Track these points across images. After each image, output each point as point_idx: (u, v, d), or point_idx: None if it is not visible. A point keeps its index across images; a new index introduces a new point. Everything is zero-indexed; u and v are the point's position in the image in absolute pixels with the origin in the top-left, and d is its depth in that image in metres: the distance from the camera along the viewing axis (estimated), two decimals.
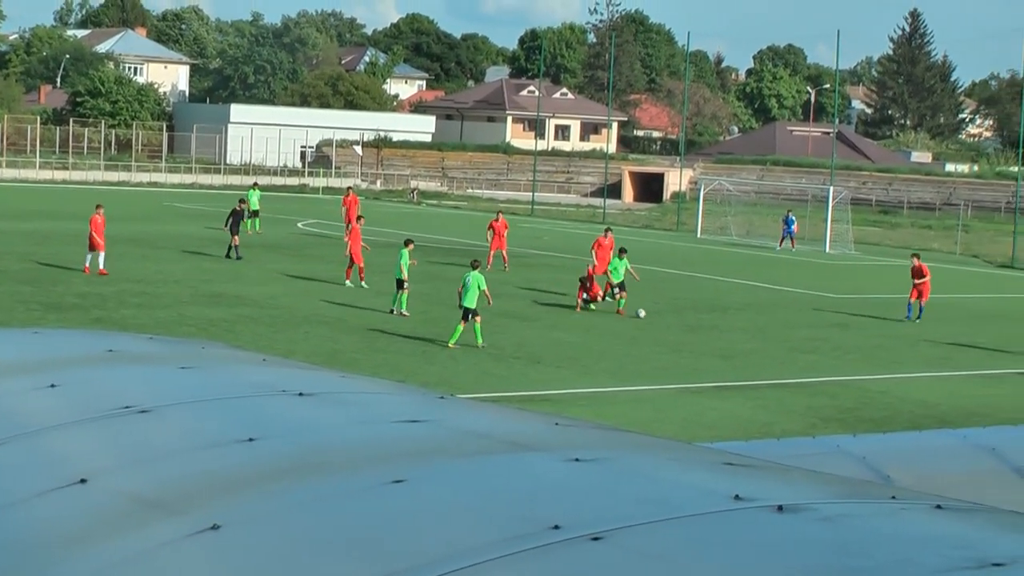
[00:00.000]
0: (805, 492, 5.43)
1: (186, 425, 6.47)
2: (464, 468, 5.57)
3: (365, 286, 43.40)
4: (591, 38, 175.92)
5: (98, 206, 46.06)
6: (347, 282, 44.21)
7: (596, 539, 4.62)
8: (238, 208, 53.81)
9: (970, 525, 5.03)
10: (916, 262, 44.51)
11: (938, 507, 5.12)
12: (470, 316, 33.96)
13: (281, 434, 6.16)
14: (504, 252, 52.50)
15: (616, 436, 6.67)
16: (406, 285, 38.50)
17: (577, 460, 5.58)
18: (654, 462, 5.90)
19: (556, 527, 4.73)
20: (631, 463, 5.78)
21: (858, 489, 5.75)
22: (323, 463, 5.61)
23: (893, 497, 5.31)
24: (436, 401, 7.31)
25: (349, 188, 75.18)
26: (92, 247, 44.61)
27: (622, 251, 43.70)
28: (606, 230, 50.38)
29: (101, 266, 44.10)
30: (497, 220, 53.85)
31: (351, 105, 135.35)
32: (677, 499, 5.13)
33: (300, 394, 6.76)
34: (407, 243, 39.85)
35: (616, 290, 41.94)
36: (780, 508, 4.91)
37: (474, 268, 35.23)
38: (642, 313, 40.14)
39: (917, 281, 43.72)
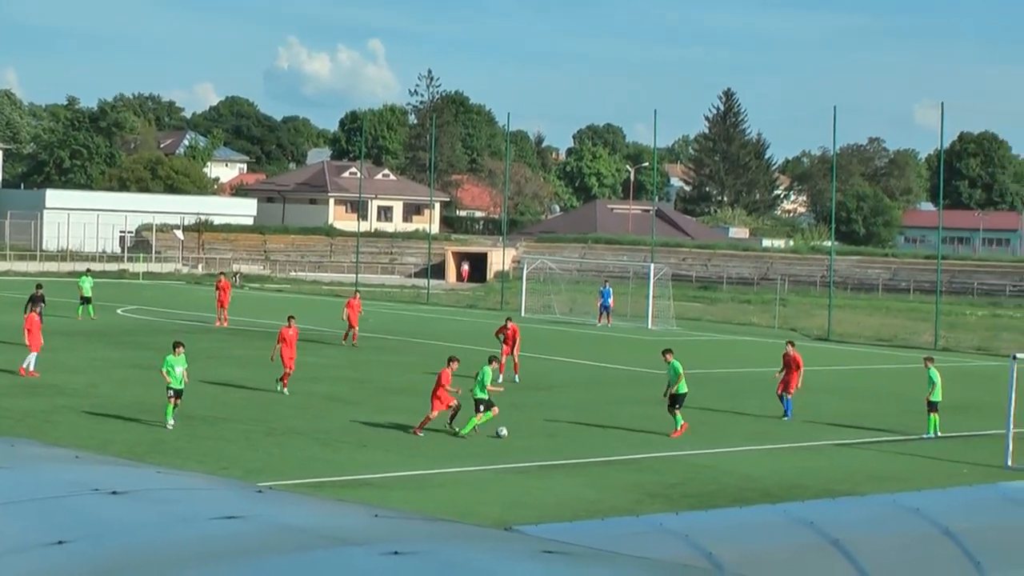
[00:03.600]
0: None
1: None
2: (282, 565, 5.49)
3: (286, 392, 40.11)
4: (412, 119, 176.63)
5: None
6: (284, 390, 40.21)
7: None
8: (36, 293, 52.69)
9: None
10: (791, 351, 40.35)
11: None
12: (482, 407, 34.11)
13: (92, 536, 6.01)
14: (355, 330, 54.97)
15: (435, 527, 6.64)
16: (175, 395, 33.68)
17: (396, 553, 5.54)
18: (473, 553, 5.88)
19: None
20: (450, 555, 5.75)
21: (673, 573, 5.79)
22: (136, 565, 5.49)
23: None
24: (254, 495, 7.22)
25: (222, 273, 74.18)
26: None
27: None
28: (507, 319, 50.03)
29: None
30: (355, 298, 56.88)
31: (171, 189, 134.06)
32: None
33: (114, 492, 6.62)
34: (176, 347, 34.51)
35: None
36: None
37: (489, 363, 35.42)
38: (503, 432, 34.08)
39: (785, 373, 39.93)
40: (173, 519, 6.47)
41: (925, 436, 37.27)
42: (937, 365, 39.28)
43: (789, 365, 40.12)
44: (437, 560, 5.60)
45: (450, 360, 35.40)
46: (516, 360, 45.93)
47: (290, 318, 42.77)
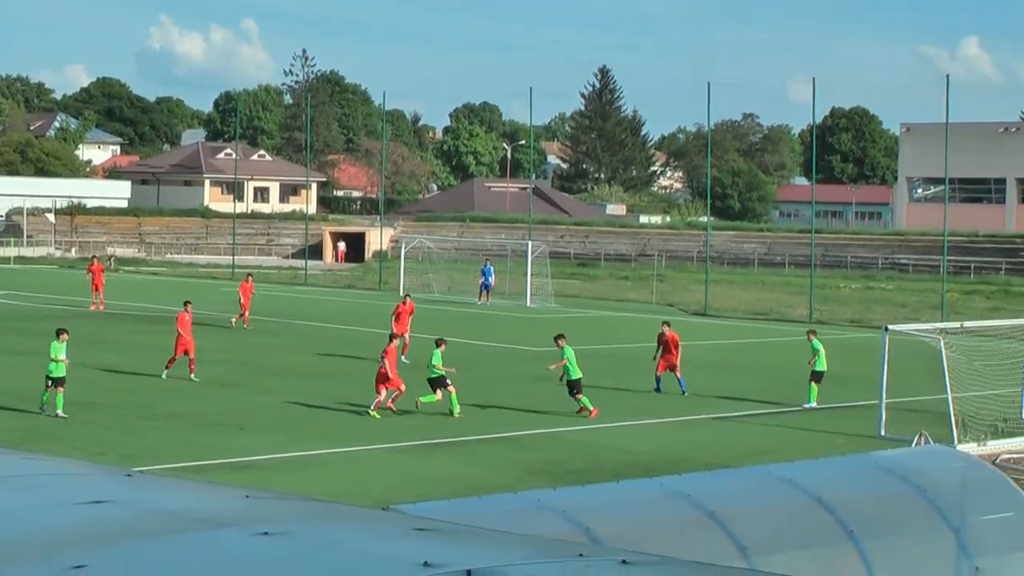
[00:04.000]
0: (495, 555, 5.44)
1: None
2: (149, 549, 5.43)
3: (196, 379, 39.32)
4: (287, 99, 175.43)
5: None
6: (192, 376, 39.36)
7: None
8: None
9: None
10: (667, 331, 40.37)
11: (624, 562, 5.19)
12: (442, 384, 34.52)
13: None
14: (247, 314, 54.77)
15: (308, 507, 6.59)
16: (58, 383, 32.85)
17: (266, 534, 5.50)
18: (344, 532, 5.85)
19: None
20: (321, 534, 5.72)
21: (547, 549, 5.80)
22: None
23: (580, 555, 5.37)
24: (123, 479, 7.13)
25: (94, 257, 73.09)
26: None
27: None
28: (405, 296, 50.03)
29: None
30: (247, 281, 56.23)
31: (42, 172, 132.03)
32: (365, 569, 5.09)
33: None
34: (60, 333, 33.69)
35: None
36: (468, 573, 4.91)
37: (438, 346, 35.44)
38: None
39: (662, 352, 39.90)
40: (39, 505, 6.38)
41: (806, 406, 37.87)
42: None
43: (666, 344, 40.33)
44: (307, 540, 5.57)
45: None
46: (406, 340, 45.50)
47: (186, 303, 42.25)
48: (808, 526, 14.23)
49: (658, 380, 40.05)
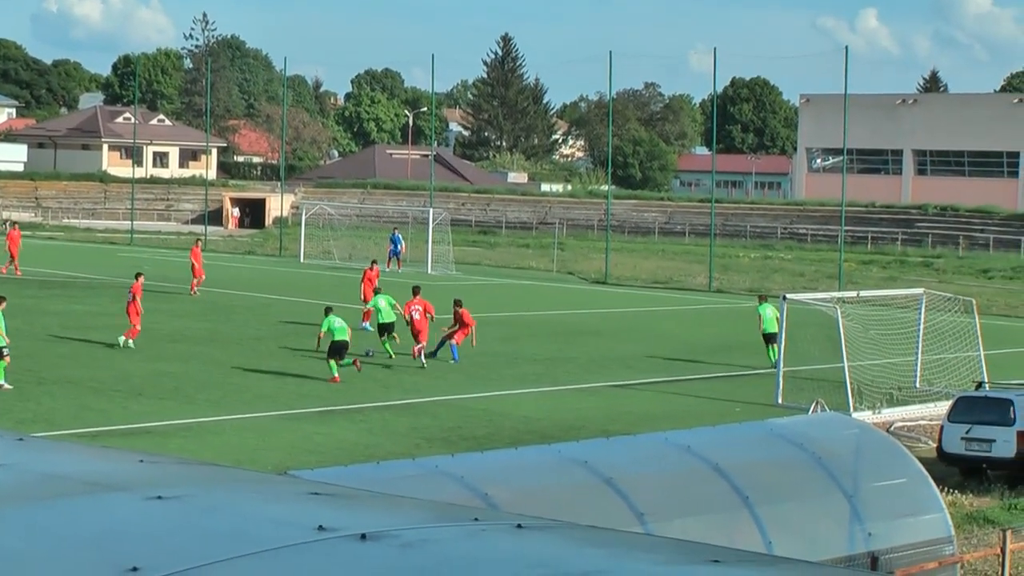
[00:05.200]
0: (390, 519, 5.43)
1: None
2: (40, 513, 5.37)
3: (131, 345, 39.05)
4: (187, 63, 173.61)
5: None
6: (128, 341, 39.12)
7: None
8: None
9: (549, 542, 5.12)
10: (459, 310, 39.76)
11: (519, 526, 5.20)
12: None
13: None
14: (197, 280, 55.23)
15: (202, 471, 6.55)
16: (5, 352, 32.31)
17: (160, 498, 5.45)
18: (239, 496, 5.81)
19: (135, 569, 4.60)
20: (215, 498, 5.68)
21: (442, 513, 5.79)
22: None
23: (476, 519, 5.37)
24: (14, 443, 7.04)
25: (14, 223, 71.65)
26: None
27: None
28: (372, 262, 50.31)
29: None
30: (196, 246, 56.66)
31: None
32: (260, 533, 5.06)
33: None
34: None
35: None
36: (363, 536, 4.89)
37: (327, 313, 35.76)
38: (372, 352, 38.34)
39: (457, 328, 39.38)
40: None
41: (764, 369, 38.09)
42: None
43: (461, 321, 39.54)
44: (201, 504, 5.53)
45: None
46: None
47: (138, 274, 41.85)
48: (704, 492, 14.35)
49: (441, 344, 39.25)
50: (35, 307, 47.88)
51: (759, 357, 40.15)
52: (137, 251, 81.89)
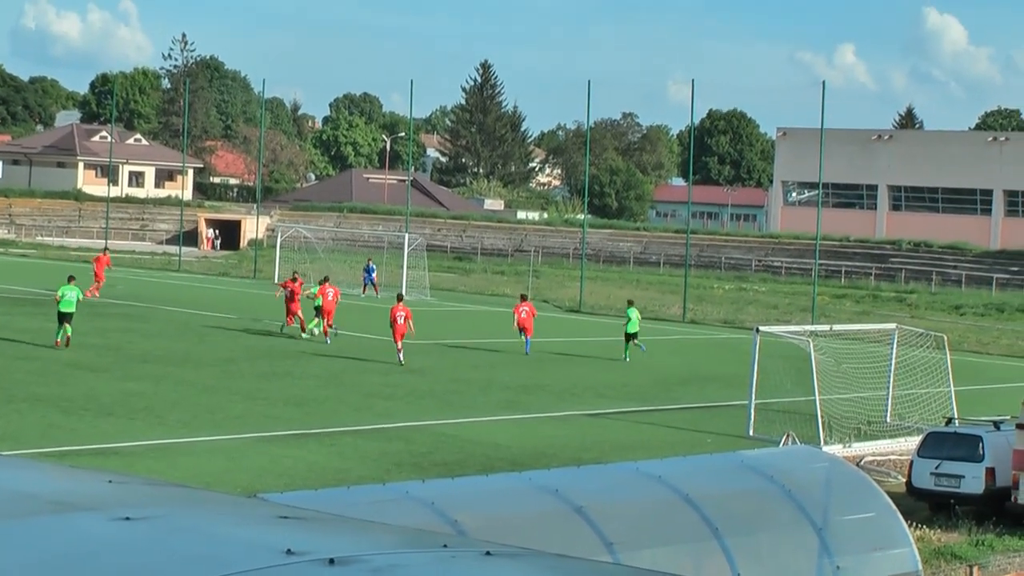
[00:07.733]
0: (359, 544, 5.41)
1: None
2: (6, 532, 5.33)
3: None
4: (165, 83, 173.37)
5: None
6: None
7: None
8: None
9: (517, 570, 5.11)
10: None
11: (488, 553, 5.19)
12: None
13: None
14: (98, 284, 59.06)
15: (171, 492, 6.51)
16: None
17: (128, 519, 5.42)
18: (207, 518, 5.78)
19: None
20: (184, 520, 5.65)
21: (411, 538, 5.77)
22: None
23: (445, 545, 5.35)
24: None
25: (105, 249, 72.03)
26: None
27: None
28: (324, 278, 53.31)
29: None
30: (104, 254, 60.44)
31: None
32: (228, 556, 5.03)
33: None
34: None
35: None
36: (332, 561, 4.87)
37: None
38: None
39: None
40: None
41: (622, 360, 46.83)
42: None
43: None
44: (169, 525, 5.50)
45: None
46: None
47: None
48: (674, 523, 14.34)
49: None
50: (6, 324, 47.70)
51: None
52: (111, 271, 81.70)
